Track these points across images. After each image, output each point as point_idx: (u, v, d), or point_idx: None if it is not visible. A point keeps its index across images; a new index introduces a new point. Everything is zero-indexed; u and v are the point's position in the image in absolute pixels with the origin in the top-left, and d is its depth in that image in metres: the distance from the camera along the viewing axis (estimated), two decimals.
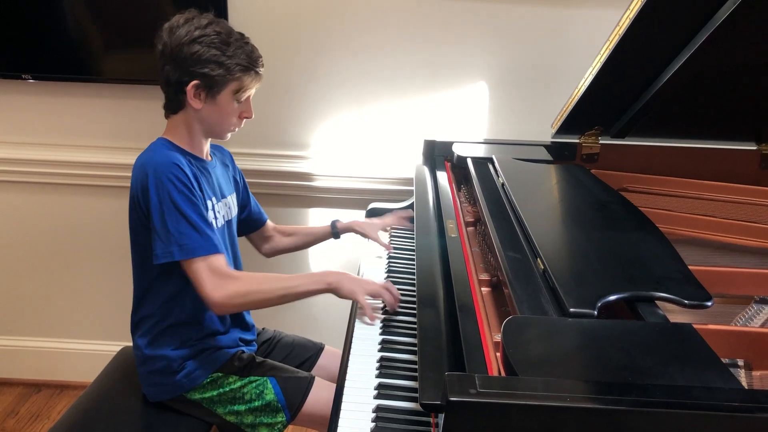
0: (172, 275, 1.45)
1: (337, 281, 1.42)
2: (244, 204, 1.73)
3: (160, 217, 1.36)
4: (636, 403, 0.75)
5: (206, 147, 1.54)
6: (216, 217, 1.51)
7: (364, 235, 1.82)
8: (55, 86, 2.18)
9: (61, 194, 2.31)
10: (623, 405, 0.75)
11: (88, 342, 2.51)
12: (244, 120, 1.51)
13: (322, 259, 2.34)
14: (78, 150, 2.24)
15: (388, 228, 1.93)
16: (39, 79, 2.15)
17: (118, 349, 1.79)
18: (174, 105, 1.46)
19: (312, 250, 2.33)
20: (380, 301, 1.46)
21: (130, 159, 2.15)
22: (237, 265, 1.65)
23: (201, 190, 1.45)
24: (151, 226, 1.39)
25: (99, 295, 2.43)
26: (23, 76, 2.13)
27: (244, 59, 1.41)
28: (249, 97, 1.49)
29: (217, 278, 1.37)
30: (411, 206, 1.94)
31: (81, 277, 2.43)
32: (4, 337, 2.53)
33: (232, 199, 1.63)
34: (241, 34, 1.44)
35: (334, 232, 1.86)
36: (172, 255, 1.36)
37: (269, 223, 1.84)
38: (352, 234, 1.87)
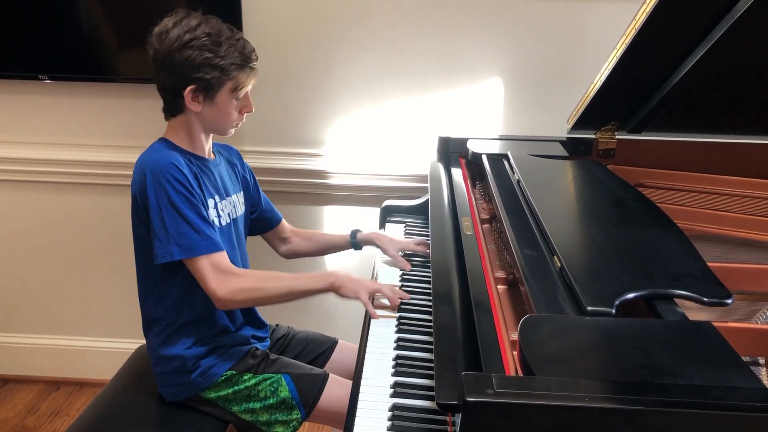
0: (177, 276, 1.45)
1: (338, 281, 1.45)
2: (254, 203, 1.72)
3: (159, 217, 1.37)
4: (655, 403, 0.74)
5: (208, 145, 1.54)
6: (219, 215, 1.51)
7: (383, 250, 1.75)
8: (71, 86, 2.19)
9: (79, 193, 2.33)
10: (642, 405, 0.74)
11: (106, 340, 2.53)
12: (246, 114, 1.51)
13: (338, 255, 2.34)
14: (95, 149, 2.25)
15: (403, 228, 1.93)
16: (55, 79, 2.16)
17: (135, 346, 1.81)
18: (172, 109, 1.46)
19: None
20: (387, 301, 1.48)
21: None
22: (244, 264, 1.64)
23: (201, 189, 1.44)
24: (150, 227, 1.40)
25: (117, 293, 2.44)
26: (40, 76, 2.14)
27: (238, 57, 1.40)
28: (247, 92, 1.48)
29: (221, 275, 1.39)
30: (427, 202, 1.93)
31: (99, 275, 2.45)
32: (24, 336, 2.56)
33: (238, 198, 1.62)
34: (232, 30, 1.43)
35: (354, 242, 1.82)
36: (171, 255, 1.37)
37: (285, 224, 1.83)
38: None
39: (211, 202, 1.48)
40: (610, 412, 0.74)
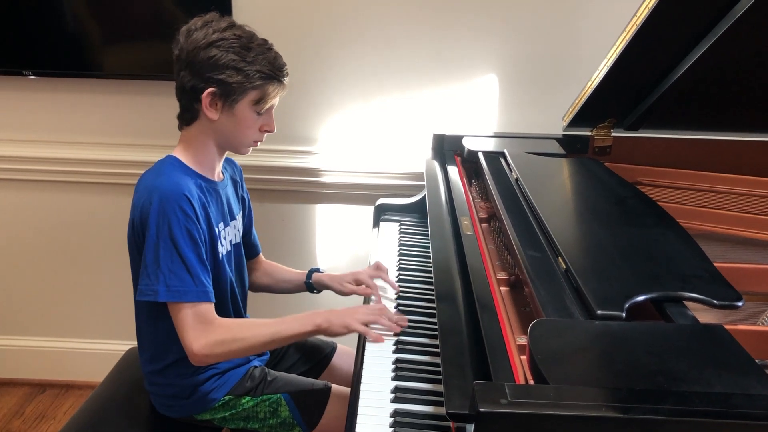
0: (167, 314, 1.32)
1: (325, 320, 1.34)
2: (246, 227, 1.61)
3: (154, 250, 1.26)
4: (675, 412, 0.72)
5: (219, 166, 1.44)
6: (223, 244, 1.43)
7: (338, 292, 1.63)
8: (56, 82, 2.14)
9: (64, 192, 2.27)
10: (662, 414, 0.72)
11: (93, 341, 2.48)
12: (266, 134, 1.41)
13: (328, 257, 2.31)
14: (80, 147, 2.20)
15: (398, 227, 1.90)
16: (40, 75, 2.11)
17: (123, 348, 1.76)
18: (188, 115, 1.35)
19: (318, 248, 2.30)
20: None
21: (132, 155, 2.16)
22: (244, 290, 1.58)
23: (208, 219, 1.35)
24: (142, 258, 1.29)
25: (103, 294, 2.40)
26: (24, 72, 2.09)
27: (266, 66, 1.30)
28: (271, 108, 1.38)
29: (201, 326, 1.28)
30: (422, 201, 1.90)
31: (84, 275, 2.39)
32: (9, 337, 2.50)
33: (239, 219, 1.54)
34: (265, 40, 1.34)
35: (308, 282, 1.67)
36: (156, 294, 1.26)
37: (261, 257, 1.73)
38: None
39: (216, 231, 1.39)
40: (628, 422, 0.72)
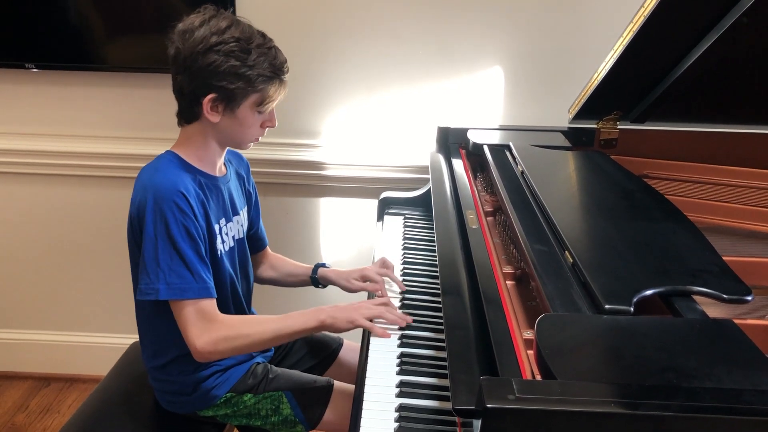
0: (169, 312, 1.31)
1: (330, 317, 1.33)
2: (252, 222, 1.60)
3: (153, 248, 1.25)
4: (685, 408, 0.71)
5: (220, 161, 1.42)
6: (224, 240, 1.41)
7: (344, 288, 1.61)
8: (58, 75, 2.13)
9: (67, 185, 2.27)
10: (671, 411, 0.71)
11: (97, 335, 2.48)
12: (267, 129, 1.40)
13: (332, 250, 2.30)
14: (83, 140, 2.19)
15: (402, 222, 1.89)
16: (42, 68, 2.10)
17: (127, 342, 1.76)
18: (188, 115, 1.33)
19: (322, 242, 2.30)
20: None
21: (136, 149, 2.15)
22: (248, 285, 1.57)
23: (207, 215, 1.34)
24: (140, 257, 1.27)
25: (107, 287, 2.39)
26: (26, 65, 2.08)
27: (267, 68, 1.27)
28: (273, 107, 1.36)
29: (203, 323, 1.27)
30: (426, 194, 1.89)
31: (89, 268, 2.39)
32: (13, 331, 2.50)
33: (244, 214, 1.52)
34: (264, 37, 1.30)
35: (313, 278, 1.65)
36: (157, 293, 1.25)
37: (268, 250, 1.71)
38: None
39: (216, 228, 1.38)
40: (638, 418, 0.71)
